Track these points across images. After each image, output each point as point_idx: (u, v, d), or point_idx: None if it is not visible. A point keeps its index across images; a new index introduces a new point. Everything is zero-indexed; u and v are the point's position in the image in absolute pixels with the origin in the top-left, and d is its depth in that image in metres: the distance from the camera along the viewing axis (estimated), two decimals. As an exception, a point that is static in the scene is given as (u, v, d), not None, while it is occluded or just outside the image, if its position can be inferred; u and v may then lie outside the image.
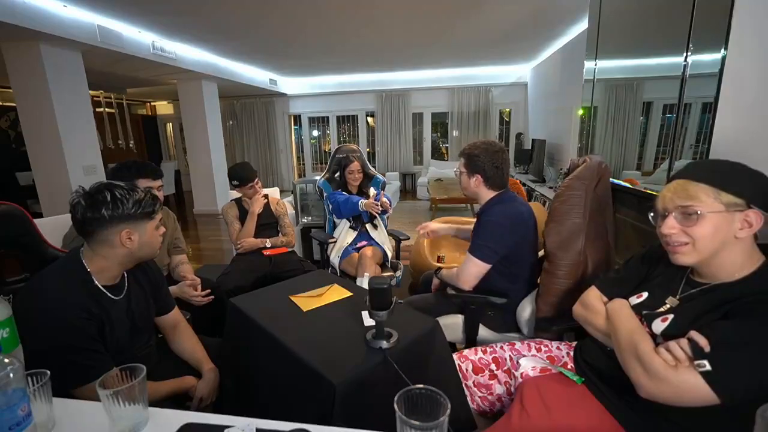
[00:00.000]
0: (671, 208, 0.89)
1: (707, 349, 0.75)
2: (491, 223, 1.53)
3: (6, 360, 0.68)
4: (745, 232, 0.83)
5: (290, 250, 2.54)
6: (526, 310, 1.53)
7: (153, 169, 1.76)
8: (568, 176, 1.52)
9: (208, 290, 1.81)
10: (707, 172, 0.87)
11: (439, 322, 1.54)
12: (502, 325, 1.60)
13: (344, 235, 2.61)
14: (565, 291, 1.41)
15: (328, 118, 8.99)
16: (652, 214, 0.95)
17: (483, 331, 1.60)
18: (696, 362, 0.75)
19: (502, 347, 1.29)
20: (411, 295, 2.01)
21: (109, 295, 1.09)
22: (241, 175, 2.38)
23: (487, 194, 1.61)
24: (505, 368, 1.24)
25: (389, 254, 2.59)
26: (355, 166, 2.62)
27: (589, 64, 2.47)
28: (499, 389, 1.23)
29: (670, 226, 0.89)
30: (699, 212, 0.84)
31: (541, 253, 1.65)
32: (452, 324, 1.62)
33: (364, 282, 2.22)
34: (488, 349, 1.30)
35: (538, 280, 1.53)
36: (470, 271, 1.53)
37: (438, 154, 9.03)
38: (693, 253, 0.87)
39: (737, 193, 0.82)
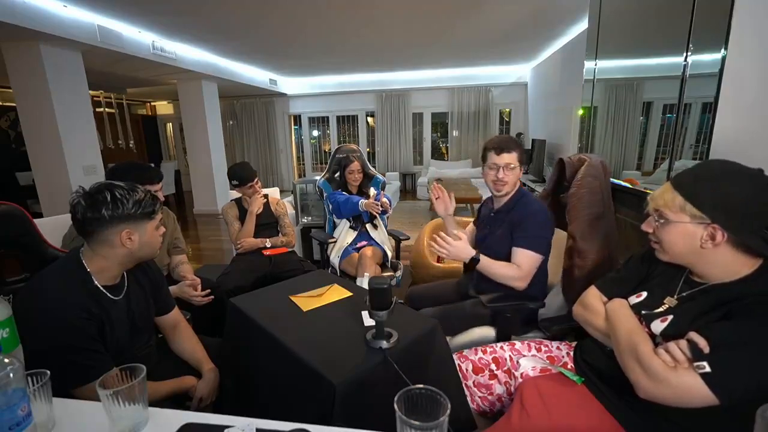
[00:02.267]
0: (651, 210, 0.93)
1: (706, 350, 0.76)
2: (538, 213, 1.51)
3: (6, 360, 0.68)
4: (709, 245, 0.83)
5: (290, 250, 2.54)
6: (550, 309, 1.53)
7: (153, 173, 1.74)
8: (578, 175, 1.55)
9: (208, 290, 1.81)
10: (688, 180, 0.88)
11: (469, 336, 1.53)
12: (522, 327, 1.58)
13: (344, 235, 2.61)
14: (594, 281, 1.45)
15: (328, 118, 8.99)
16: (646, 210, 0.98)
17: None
18: (695, 364, 0.75)
19: (502, 347, 1.29)
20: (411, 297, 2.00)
21: (108, 295, 1.09)
22: (240, 175, 2.38)
23: (516, 186, 1.60)
24: (505, 368, 1.24)
25: (389, 254, 2.59)
26: (355, 166, 2.62)
27: (589, 64, 2.47)
28: (499, 389, 1.23)
29: (647, 225, 0.95)
30: (666, 219, 0.88)
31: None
32: (481, 336, 1.56)
33: (364, 282, 2.22)
34: (488, 349, 1.29)
35: (573, 275, 1.54)
36: (532, 266, 1.48)
37: (438, 154, 9.03)
38: (663, 253, 0.93)
39: (699, 207, 0.83)
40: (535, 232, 1.49)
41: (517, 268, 1.48)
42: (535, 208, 1.53)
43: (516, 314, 1.51)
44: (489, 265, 1.51)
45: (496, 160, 1.56)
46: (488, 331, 1.54)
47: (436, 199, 1.77)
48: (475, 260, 1.51)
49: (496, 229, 1.61)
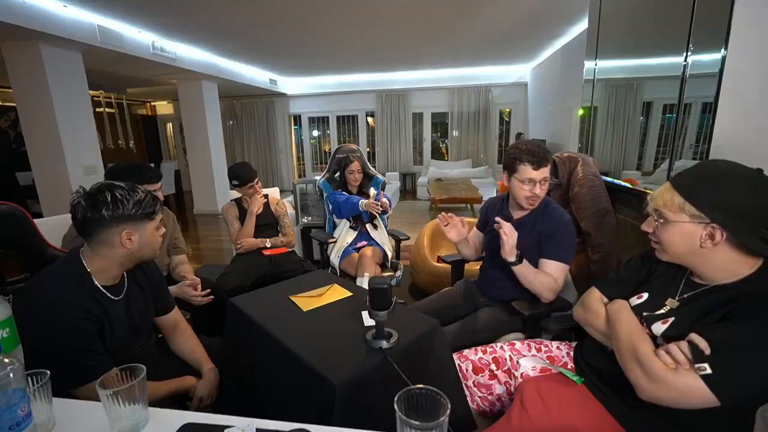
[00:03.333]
0: (651, 210, 0.93)
1: (707, 351, 0.75)
2: (568, 224, 1.48)
3: (6, 360, 0.68)
4: (708, 245, 0.83)
5: (290, 250, 2.54)
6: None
7: (152, 173, 1.74)
8: (578, 174, 1.57)
9: (208, 290, 1.81)
10: (688, 180, 0.88)
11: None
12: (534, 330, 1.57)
13: (344, 235, 2.61)
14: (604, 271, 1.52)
15: (328, 118, 8.99)
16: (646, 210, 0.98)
17: (512, 335, 1.56)
18: (696, 365, 0.75)
19: (502, 347, 1.29)
20: (411, 297, 1.99)
21: (108, 295, 1.09)
22: (241, 175, 2.38)
23: None
24: (505, 368, 1.24)
25: (389, 254, 2.59)
26: (356, 166, 2.62)
27: (589, 64, 2.47)
28: (499, 389, 1.23)
29: (647, 225, 0.95)
30: (666, 219, 0.88)
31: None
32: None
33: (364, 282, 2.22)
34: (488, 349, 1.29)
35: (578, 264, 1.57)
36: (563, 277, 1.45)
37: (438, 154, 9.03)
38: (663, 253, 0.93)
39: (698, 207, 0.83)
40: (567, 243, 1.47)
41: (554, 280, 1.43)
42: (566, 219, 1.49)
43: (542, 321, 1.50)
44: (529, 271, 1.42)
45: (533, 175, 1.42)
46: (516, 338, 1.51)
47: (445, 226, 1.63)
48: (515, 261, 1.40)
49: (521, 239, 1.44)
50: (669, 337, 0.87)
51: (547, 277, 1.44)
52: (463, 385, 1.24)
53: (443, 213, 1.69)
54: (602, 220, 1.64)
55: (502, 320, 1.53)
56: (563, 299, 1.52)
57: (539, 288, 1.43)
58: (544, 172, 1.44)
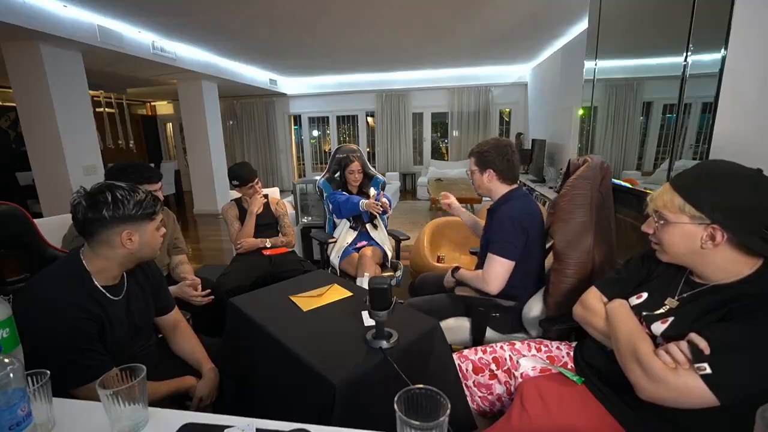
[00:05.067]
0: (651, 211, 0.93)
1: (707, 351, 0.75)
2: (507, 219, 1.52)
3: (6, 360, 0.68)
4: (709, 245, 0.83)
5: (290, 250, 2.54)
6: (532, 310, 1.52)
7: (152, 173, 1.75)
8: (572, 175, 1.51)
9: (208, 290, 1.81)
10: (688, 181, 0.88)
11: (444, 325, 1.54)
12: (508, 326, 1.59)
13: (344, 235, 2.61)
14: (574, 290, 1.39)
15: (328, 118, 8.99)
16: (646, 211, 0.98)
17: (488, 333, 1.59)
18: (696, 365, 0.75)
19: (502, 347, 1.29)
20: (410, 295, 2.01)
21: (108, 295, 1.09)
22: (241, 175, 2.38)
23: (501, 189, 1.61)
24: (505, 368, 1.24)
25: (389, 254, 2.59)
26: (356, 166, 2.62)
27: (589, 64, 2.47)
28: (499, 389, 1.23)
29: (647, 226, 0.95)
30: (666, 220, 0.88)
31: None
32: (457, 326, 1.60)
33: (364, 282, 2.22)
34: (488, 349, 1.29)
35: (550, 279, 1.52)
36: (497, 271, 1.50)
37: (438, 154, 9.02)
38: (663, 253, 0.93)
39: (698, 208, 0.83)
40: (500, 236, 1.52)
41: (479, 272, 1.55)
42: (503, 213, 1.54)
43: (490, 309, 1.55)
44: (462, 275, 1.65)
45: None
46: (462, 323, 1.61)
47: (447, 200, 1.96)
48: (452, 274, 1.70)
49: (484, 228, 1.69)
50: (668, 336, 0.87)
51: (476, 274, 1.58)
52: (463, 385, 1.24)
53: (445, 199, 1.93)
54: (577, 229, 1.42)
55: (457, 305, 1.63)
56: (505, 293, 1.53)
57: (474, 285, 1.57)
58: (469, 164, 1.67)
